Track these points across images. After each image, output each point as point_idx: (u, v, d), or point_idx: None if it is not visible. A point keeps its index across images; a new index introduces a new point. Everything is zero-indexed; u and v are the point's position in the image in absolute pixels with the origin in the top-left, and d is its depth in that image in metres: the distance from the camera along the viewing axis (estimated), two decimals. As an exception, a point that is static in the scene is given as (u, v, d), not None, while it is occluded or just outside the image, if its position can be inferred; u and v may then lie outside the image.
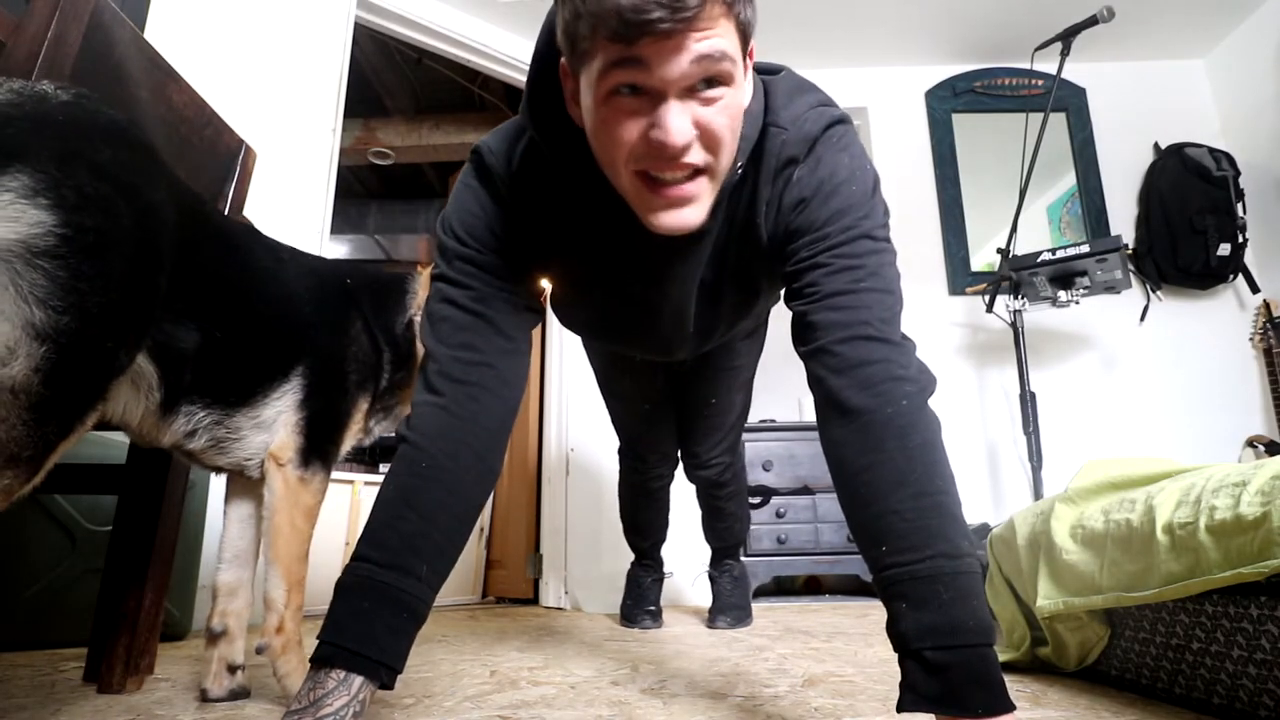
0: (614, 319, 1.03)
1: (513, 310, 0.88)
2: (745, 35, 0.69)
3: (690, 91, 0.66)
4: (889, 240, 0.82)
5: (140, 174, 0.67)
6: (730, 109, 0.69)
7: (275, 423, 0.95)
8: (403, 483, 0.79)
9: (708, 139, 0.69)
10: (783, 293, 0.88)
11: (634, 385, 1.51)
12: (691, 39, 0.63)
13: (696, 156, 0.69)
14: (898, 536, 0.68)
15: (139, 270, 0.64)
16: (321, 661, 0.71)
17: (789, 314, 0.85)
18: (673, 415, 1.58)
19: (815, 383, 0.78)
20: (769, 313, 1.42)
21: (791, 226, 0.83)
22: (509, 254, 0.87)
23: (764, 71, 0.86)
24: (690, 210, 0.73)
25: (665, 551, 1.94)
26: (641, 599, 1.87)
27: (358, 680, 0.70)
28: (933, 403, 0.76)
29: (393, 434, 1.21)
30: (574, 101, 0.74)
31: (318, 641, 0.72)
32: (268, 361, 0.94)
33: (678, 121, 0.66)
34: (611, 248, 0.89)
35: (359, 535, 0.77)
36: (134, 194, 0.65)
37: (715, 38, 0.64)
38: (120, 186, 0.63)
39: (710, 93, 0.67)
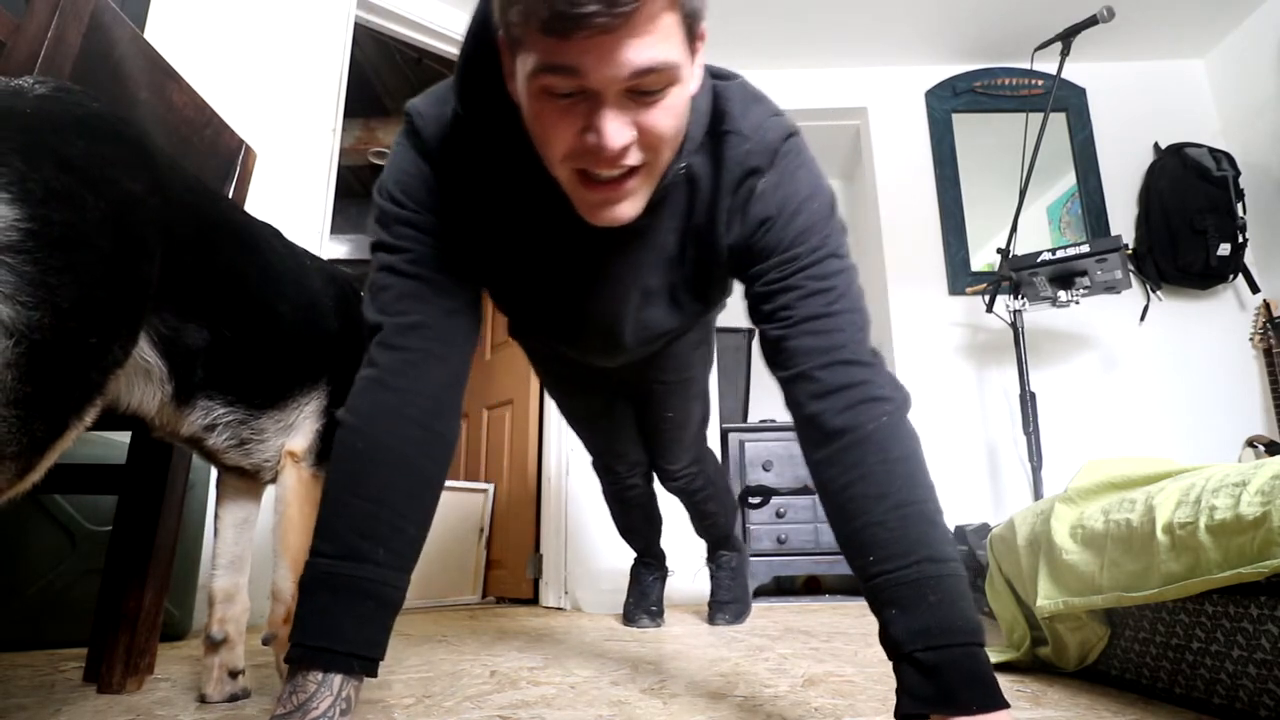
0: (542, 309, 0.99)
1: (454, 269, 0.84)
2: (692, 24, 0.65)
3: (629, 93, 0.63)
4: (849, 255, 0.83)
5: (117, 166, 0.66)
6: (674, 108, 0.67)
7: (296, 426, 0.96)
8: (343, 469, 0.77)
9: (648, 140, 0.67)
10: (748, 312, 0.87)
11: (587, 407, 1.50)
12: (629, 44, 0.59)
13: (634, 157, 0.68)
14: (882, 546, 0.69)
15: (118, 262, 0.64)
16: (294, 663, 0.69)
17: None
18: (633, 426, 1.57)
19: (795, 406, 0.80)
20: (715, 323, 1.41)
21: (757, 246, 0.82)
22: (446, 213, 0.84)
23: (716, 77, 0.84)
24: (625, 205, 0.72)
25: (666, 548, 1.94)
26: (643, 597, 1.87)
27: (337, 678, 0.69)
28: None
29: None
30: (511, 78, 0.70)
31: (290, 644, 0.71)
32: (298, 368, 0.95)
33: (614, 127, 0.63)
34: (543, 234, 0.86)
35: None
36: (108, 186, 0.64)
37: (657, 44, 0.60)
38: (91, 179, 0.62)
39: (651, 95, 0.64)
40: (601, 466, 1.71)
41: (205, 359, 0.82)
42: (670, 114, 0.67)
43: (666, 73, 0.63)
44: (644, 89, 0.63)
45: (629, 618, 1.86)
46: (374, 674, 0.72)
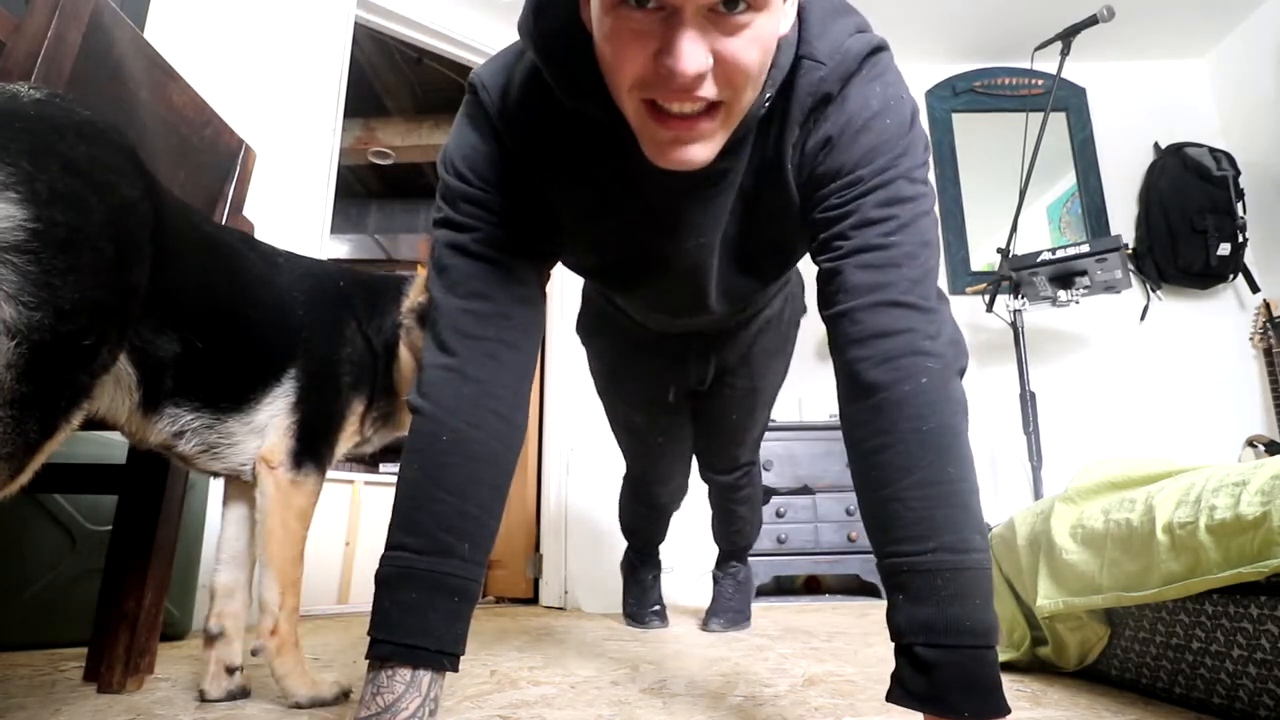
0: (623, 269, 0.94)
1: (525, 253, 0.81)
2: None
3: (712, 13, 0.57)
4: (926, 182, 0.74)
5: (116, 171, 0.67)
6: (760, 40, 0.60)
7: (265, 427, 0.94)
8: (427, 460, 0.74)
9: (727, 73, 0.60)
10: (810, 251, 0.80)
11: (647, 419, 1.42)
12: None
13: (710, 90, 0.61)
14: (902, 525, 0.65)
15: (115, 266, 0.64)
16: (380, 660, 0.68)
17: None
18: (689, 446, 1.52)
19: (835, 351, 0.73)
20: (798, 327, 1.37)
21: (819, 171, 0.74)
22: (516, 191, 0.80)
23: None
24: (697, 148, 0.65)
25: (668, 547, 1.92)
26: (645, 598, 1.84)
27: (426, 677, 0.68)
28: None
29: (396, 437, 1.16)
30: (586, 3, 0.66)
31: (370, 639, 0.70)
32: (259, 366, 0.94)
33: (691, 50, 0.57)
34: (619, 190, 0.81)
35: (389, 521, 0.74)
36: (108, 190, 0.64)
37: None
38: (93, 182, 0.63)
39: (737, 17, 0.58)
40: (640, 486, 1.65)
41: (175, 368, 0.81)
42: (754, 46, 0.60)
43: None
44: (729, 4, 0.57)
45: (635, 618, 1.81)
46: (456, 669, 0.71)
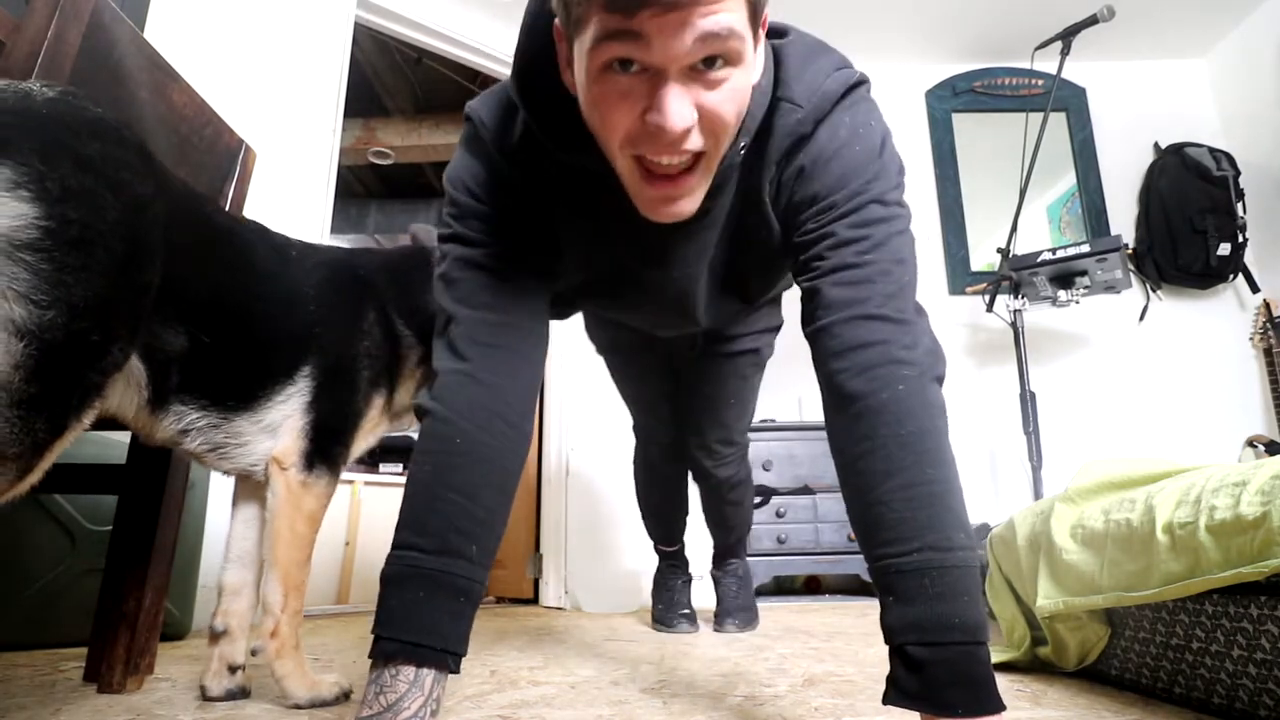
0: (613, 289, 1.00)
1: (532, 268, 0.85)
2: (756, 8, 0.63)
3: (693, 71, 0.62)
4: (901, 204, 0.77)
5: (129, 169, 0.67)
6: (737, 93, 0.65)
7: (278, 426, 0.93)
8: (437, 461, 0.76)
9: (709, 124, 0.65)
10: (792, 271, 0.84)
11: (646, 389, 1.52)
12: (696, 14, 0.58)
13: (695, 142, 0.66)
14: (887, 528, 0.66)
15: (128, 264, 0.64)
16: (385, 658, 0.69)
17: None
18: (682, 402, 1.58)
19: (817, 365, 0.76)
20: (770, 348, 1.42)
21: (795, 199, 0.79)
22: (522, 212, 0.84)
23: (772, 34, 0.79)
24: (684, 202, 0.71)
25: (689, 555, 1.89)
26: (674, 603, 1.81)
27: (429, 676, 0.69)
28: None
29: (397, 433, 1.16)
30: (567, 66, 0.70)
31: (374, 637, 0.70)
32: (271, 364, 0.92)
33: (677, 106, 0.62)
34: (612, 224, 0.85)
35: (398, 520, 0.75)
36: (121, 188, 0.64)
37: (722, 13, 0.59)
38: (106, 180, 0.63)
39: (715, 74, 0.62)
40: (643, 436, 1.70)
41: (181, 363, 0.81)
42: (732, 99, 0.65)
43: (731, 42, 0.60)
44: (709, 58, 0.61)
45: (664, 623, 1.78)
46: (458, 670, 0.72)
